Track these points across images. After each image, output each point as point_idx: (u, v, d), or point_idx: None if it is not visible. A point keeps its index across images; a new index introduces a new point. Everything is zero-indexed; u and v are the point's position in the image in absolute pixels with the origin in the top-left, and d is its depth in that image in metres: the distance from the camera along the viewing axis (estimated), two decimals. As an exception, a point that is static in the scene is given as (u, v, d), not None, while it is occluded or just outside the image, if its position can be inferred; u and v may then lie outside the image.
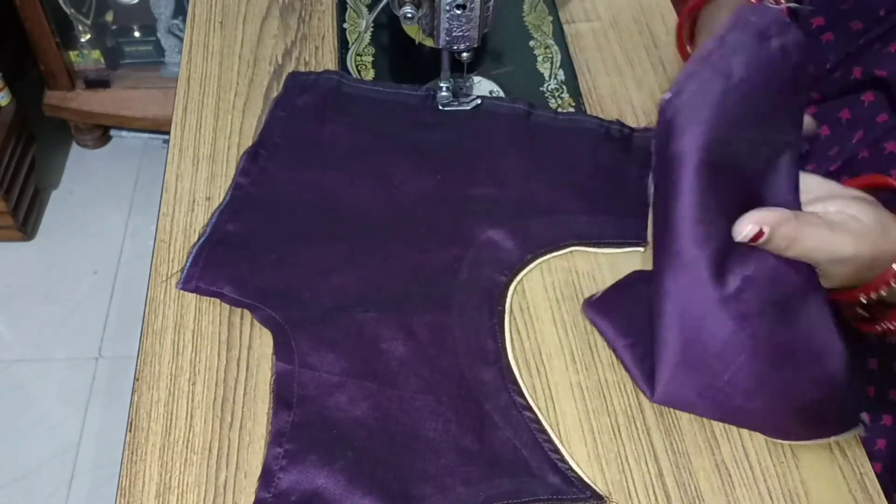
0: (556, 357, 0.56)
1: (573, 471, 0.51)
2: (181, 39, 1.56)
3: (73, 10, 1.54)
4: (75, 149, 1.78)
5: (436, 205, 0.62)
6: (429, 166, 0.65)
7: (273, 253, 0.59)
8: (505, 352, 0.56)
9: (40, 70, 1.60)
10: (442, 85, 0.68)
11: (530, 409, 0.53)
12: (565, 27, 0.79)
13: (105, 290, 1.56)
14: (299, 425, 0.51)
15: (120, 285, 1.56)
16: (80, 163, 1.76)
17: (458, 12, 0.62)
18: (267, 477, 0.50)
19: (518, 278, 0.60)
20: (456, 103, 0.69)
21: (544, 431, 0.52)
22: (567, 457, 0.51)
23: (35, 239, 1.62)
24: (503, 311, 0.58)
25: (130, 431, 0.52)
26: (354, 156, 0.66)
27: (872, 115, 0.62)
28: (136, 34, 1.61)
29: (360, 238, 0.61)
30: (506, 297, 0.58)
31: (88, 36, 1.59)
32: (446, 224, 0.62)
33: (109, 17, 1.59)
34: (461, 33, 0.63)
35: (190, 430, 0.52)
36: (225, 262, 0.59)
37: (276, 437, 0.51)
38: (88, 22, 1.57)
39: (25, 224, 1.60)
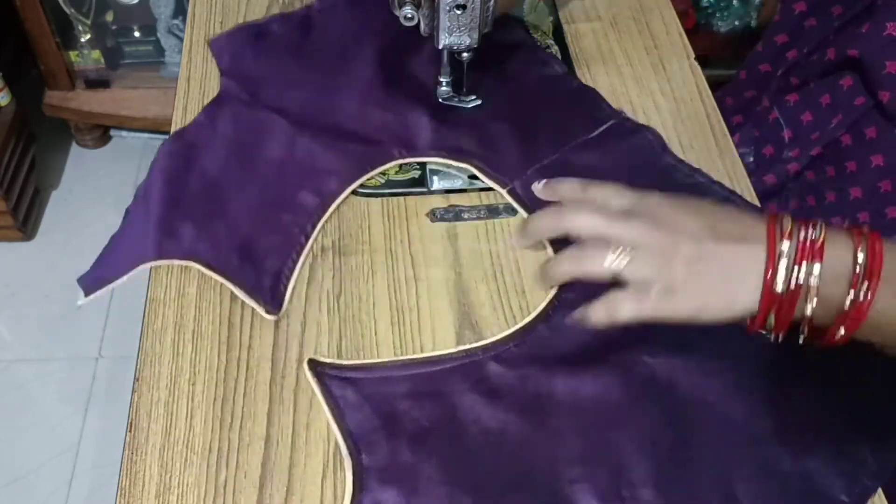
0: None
1: None
2: (181, 39, 1.55)
3: (73, 10, 1.54)
4: (75, 149, 1.78)
5: None
6: None
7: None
8: None
9: (40, 70, 1.60)
10: (442, 80, 0.68)
11: None
12: (565, 27, 0.79)
13: (105, 290, 1.55)
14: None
15: (120, 285, 1.56)
16: (80, 163, 1.76)
17: (458, 12, 0.62)
18: None
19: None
20: (456, 99, 0.69)
21: None
22: None
23: (35, 239, 1.62)
24: None
25: (130, 431, 0.52)
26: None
27: (850, 98, 0.63)
28: (136, 34, 1.61)
29: None
30: None
31: (88, 36, 1.59)
32: None
33: (109, 17, 1.59)
34: (461, 33, 0.64)
35: (190, 430, 0.52)
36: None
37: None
38: (88, 22, 1.57)
39: (25, 224, 1.60)
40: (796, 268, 0.45)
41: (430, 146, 0.67)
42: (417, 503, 0.49)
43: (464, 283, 0.59)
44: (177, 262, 0.60)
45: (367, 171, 0.65)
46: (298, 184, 0.64)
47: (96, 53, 1.60)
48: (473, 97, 0.69)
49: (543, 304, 0.58)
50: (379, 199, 0.65)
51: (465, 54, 0.66)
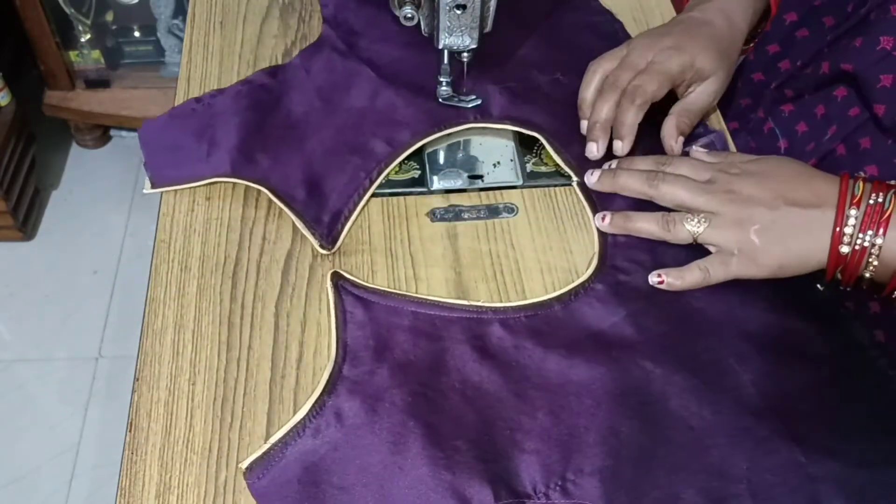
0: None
1: None
2: (181, 39, 1.56)
3: (73, 10, 1.54)
4: (75, 149, 1.78)
5: None
6: None
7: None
8: None
9: (40, 70, 1.60)
10: (442, 80, 0.68)
11: None
12: (565, 27, 0.79)
13: (105, 290, 1.56)
14: None
15: (120, 285, 1.56)
16: (80, 163, 1.76)
17: (458, 13, 0.62)
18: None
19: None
20: (455, 99, 0.69)
21: None
22: None
23: (35, 239, 1.62)
24: None
25: (130, 431, 0.52)
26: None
27: (845, 109, 0.63)
28: (136, 34, 1.61)
29: None
30: None
31: (88, 36, 1.59)
32: None
33: (109, 17, 1.59)
34: (461, 34, 0.64)
35: (190, 430, 0.52)
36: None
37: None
38: (88, 22, 1.57)
39: (25, 224, 1.60)
40: (861, 234, 0.53)
41: (504, 115, 0.69)
42: (372, 420, 0.51)
43: (464, 283, 0.60)
44: (247, 183, 0.64)
45: (441, 130, 0.67)
46: (373, 132, 0.67)
47: (96, 53, 1.60)
48: (473, 97, 0.69)
49: (568, 287, 0.58)
50: (379, 198, 0.65)
51: (464, 55, 0.66)
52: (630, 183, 0.61)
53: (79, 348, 1.47)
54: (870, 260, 0.53)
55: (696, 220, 0.57)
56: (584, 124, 0.67)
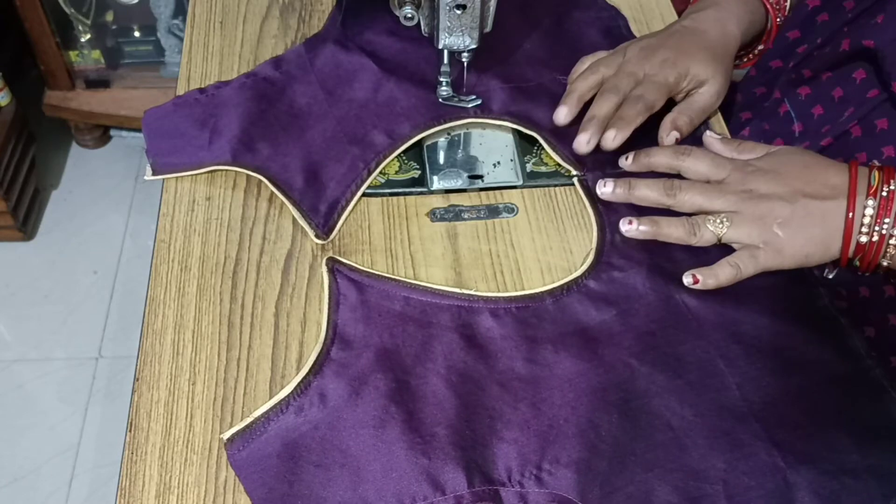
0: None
1: None
2: (181, 39, 1.56)
3: (73, 10, 1.54)
4: (75, 149, 1.78)
5: None
6: None
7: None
8: None
9: (40, 70, 1.60)
10: (442, 80, 0.68)
11: None
12: (565, 27, 0.79)
13: (105, 290, 1.56)
14: None
15: (120, 285, 1.56)
16: (80, 163, 1.76)
17: (458, 13, 0.62)
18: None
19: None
20: (456, 99, 0.69)
21: None
22: None
23: (35, 239, 1.62)
24: None
25: (130, 431, 0.52)
26: None
27: (863, 91, 0.63)
28: (136, 34, 1.61)
29: None
30: None
31: (88, 36, 1.59)
32: None
33: (109, 17, 1.59)
34: (461, 34, 0.64)
35: (190, 430, 0.52)
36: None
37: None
38: (88, 22, 1.57)
39: (25, 224, 1.60)
40: (877, 224, 0.55)
41: (503, 111, 0.69)
42: (355, 403, 0.52)
43: (464, 283, 0.59)
44: (247, 171, 0.64)
45: (441, 123, 0.68)
46: (374, 124, 0.68)
47: (96, 53, 1.60)
48: (474, 97, 0.69)
49: (561, 282, 0.59)
50: (379, 198, 0.65)
51: (464, 54, 0.66)
52: (648, 193, 0.62)
53: (79, 348, 1.47)
54: (888, 249, 0.55)
55: (717, 220, 0.59)
56: (562, 110, 0.67)
